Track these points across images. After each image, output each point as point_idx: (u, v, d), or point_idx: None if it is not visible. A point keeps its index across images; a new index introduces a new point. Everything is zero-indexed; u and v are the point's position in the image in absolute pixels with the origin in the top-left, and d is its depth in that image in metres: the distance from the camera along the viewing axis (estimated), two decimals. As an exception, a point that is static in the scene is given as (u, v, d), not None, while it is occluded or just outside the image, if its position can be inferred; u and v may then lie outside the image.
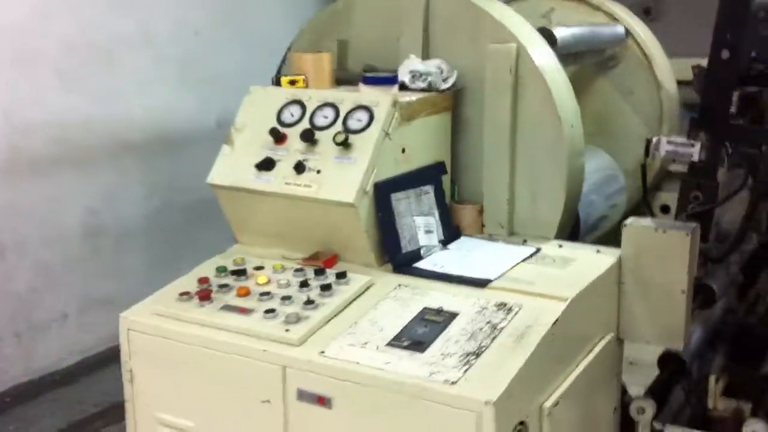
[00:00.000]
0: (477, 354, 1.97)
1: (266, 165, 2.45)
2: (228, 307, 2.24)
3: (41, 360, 4.10)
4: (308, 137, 2.42)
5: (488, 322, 2.10)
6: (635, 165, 2.95)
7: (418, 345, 2.03)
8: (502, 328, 2.07)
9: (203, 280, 2.37)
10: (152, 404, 2.31)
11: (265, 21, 5.03)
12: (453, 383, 1.88)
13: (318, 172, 2.39)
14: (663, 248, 2.48)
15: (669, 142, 2.73)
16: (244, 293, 2.29)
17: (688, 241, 2.46)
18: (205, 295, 2.28)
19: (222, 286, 2.33)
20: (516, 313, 2.13)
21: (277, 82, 2.65)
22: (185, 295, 2.31)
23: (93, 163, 4.22)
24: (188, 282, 2.38)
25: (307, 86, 2.63)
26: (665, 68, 3.56)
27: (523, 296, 2.21)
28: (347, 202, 2.32)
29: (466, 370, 1.91)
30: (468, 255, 2.51)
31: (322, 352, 2.05)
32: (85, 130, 4.14)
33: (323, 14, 2.95)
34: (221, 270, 2.42)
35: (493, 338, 2.03)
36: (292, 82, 2.64)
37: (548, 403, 2.05)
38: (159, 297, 2.36)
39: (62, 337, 4.17)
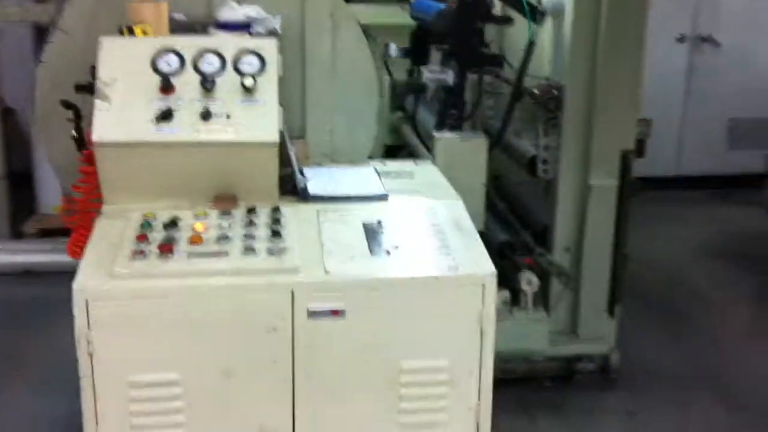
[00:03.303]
0: (446, 245, 2.41)
1: (166, 116, 2.44)
2: (198, 254, 2.26)
3: None
4: (209, 84, 2.47)
5: (425, 224, 2.53)
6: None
7: (396, 249, 2.38)
8: (438, 224, 2.52)
9: (142, 237, 2.30)
10: (122, 370, 2.21)
11: None
12: (456, 268, 2.31)
13: (228, 117, 2.47)
14: (467, 153, 3.16)
15: (429, 71, 3.40)
16: (198, 240, 2.31)
17: (485, 145, 3.18)
18: (168, 249, 2.25)
19: (168, 239, 2.31)
20: (434, 213, 2.59)
21: (130, 32, 2.57)
22: (140, 254, 2.24)
23: None
24: (123, 243, 2.29)
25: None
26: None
27: (424, 200, 2.68)
28: (271, 141, 2.48)
29: (453, 258, 2.35)
30: (333, 179, 2.84)
31: (327, 271, 2.27)
32: None
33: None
34: (146, 226, 2.37)
35: (442, 231, 2.48)
36: (144, 32, 2.59)
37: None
38: (99, 264, 2.23)
39: None
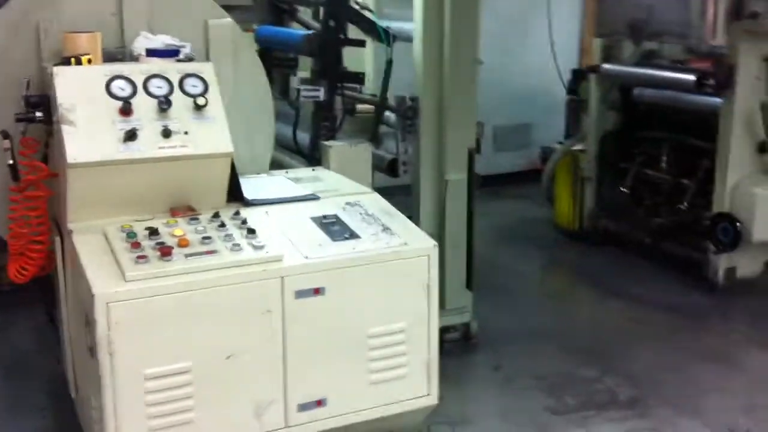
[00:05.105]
0: (387, 228, 2.88)
1: (131, 136, 2.67)
2: (193, 254, 2.53)
3: None
4: (165, 105, 2.73)
5: (361, 213, 2.98)
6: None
7: (353, 234, 2.81)
8: (372, 213, 2.98)
9: (135, 245, 2.53)
10: (139, 364, 2.42)
11: None
12: (406, 244, 2.79)
13: (185, 133, 2.75)
14: (355, 158, 3.64)
15: (305, 89, 3.86)
16: (186, 243, 2.58)
17: (370, 151, 3.69)
18: (167, 252, 2.50)
19: (159, 244, 2.55)
20: (362, 205, 3.04)
21: (77, 62, 2.76)
22: (143, 258, 2.47)
23: None
24: (119, 252, 2.50)
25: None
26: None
27: (348, 196, 3.11)
28: (227, 152, 2.80)
29: (399, 237, 2.83)
30: (259, 186, 3.18)
31: (306, 257, 2.65)
32: None
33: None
34: (132, 236, 2.58)
35: (378, 218, 2.94)
36: (89, 61, 2.80)
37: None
38: (106, 272, 2.43)
39: None
